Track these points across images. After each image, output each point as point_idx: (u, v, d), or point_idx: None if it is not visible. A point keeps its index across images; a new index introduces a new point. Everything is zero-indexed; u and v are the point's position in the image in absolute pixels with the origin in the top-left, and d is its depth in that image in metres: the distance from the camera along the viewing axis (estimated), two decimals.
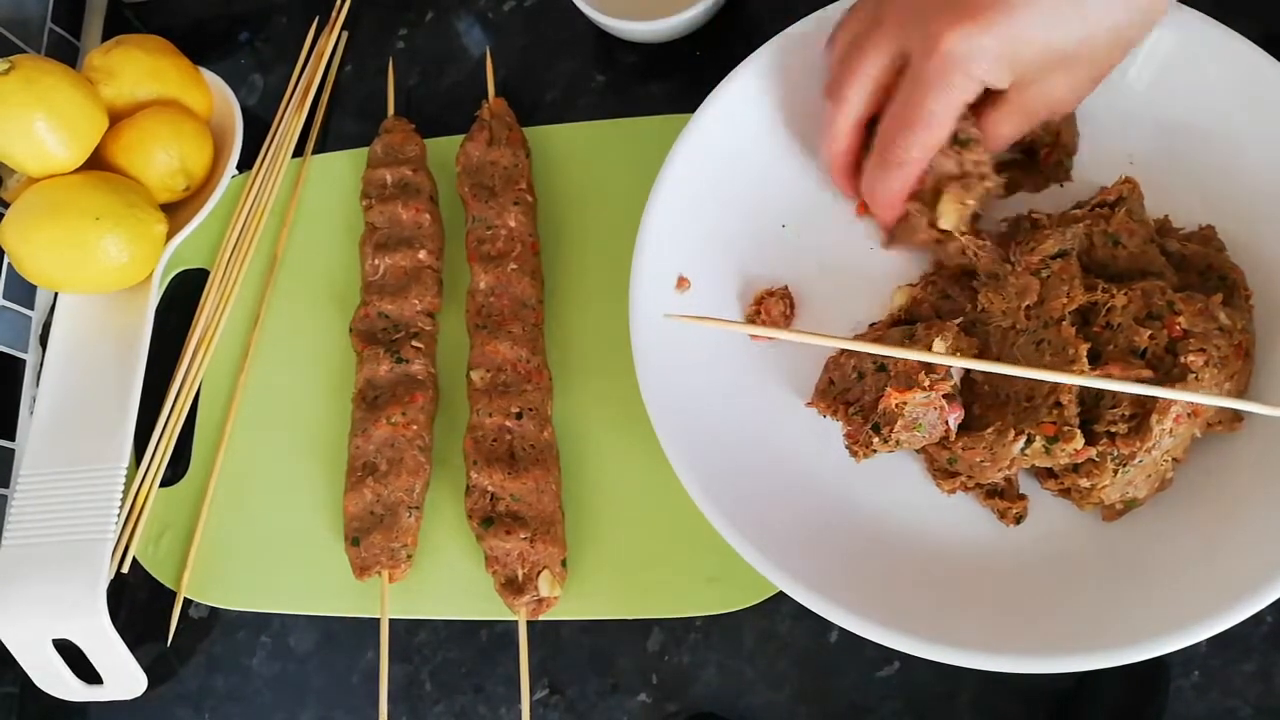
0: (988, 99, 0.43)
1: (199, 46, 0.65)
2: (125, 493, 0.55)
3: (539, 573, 0.49)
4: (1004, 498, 0.45)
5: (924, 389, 0.43)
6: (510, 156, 0.58)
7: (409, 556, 0.51)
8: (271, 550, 0.55)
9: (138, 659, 0.53)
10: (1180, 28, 0.46)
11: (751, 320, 0.50)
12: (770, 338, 0.49)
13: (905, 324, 0.49)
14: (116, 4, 0.72)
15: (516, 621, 0.50)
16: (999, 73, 0.41)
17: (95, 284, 0.58)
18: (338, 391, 0.57)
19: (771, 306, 0.50)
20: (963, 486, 0.45)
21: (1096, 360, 0.43)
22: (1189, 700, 0.44)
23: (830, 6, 0.50)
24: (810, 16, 0.50)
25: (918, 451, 0.47)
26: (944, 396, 0.43)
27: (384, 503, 0.52)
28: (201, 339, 0.60)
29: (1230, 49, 0.45)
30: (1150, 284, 0.43)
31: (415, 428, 0.53)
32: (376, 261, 0.57)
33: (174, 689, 0.54)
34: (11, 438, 0.61)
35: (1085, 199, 0.48)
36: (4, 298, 0.62)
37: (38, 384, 0.61)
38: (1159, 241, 0.46)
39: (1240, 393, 0.43)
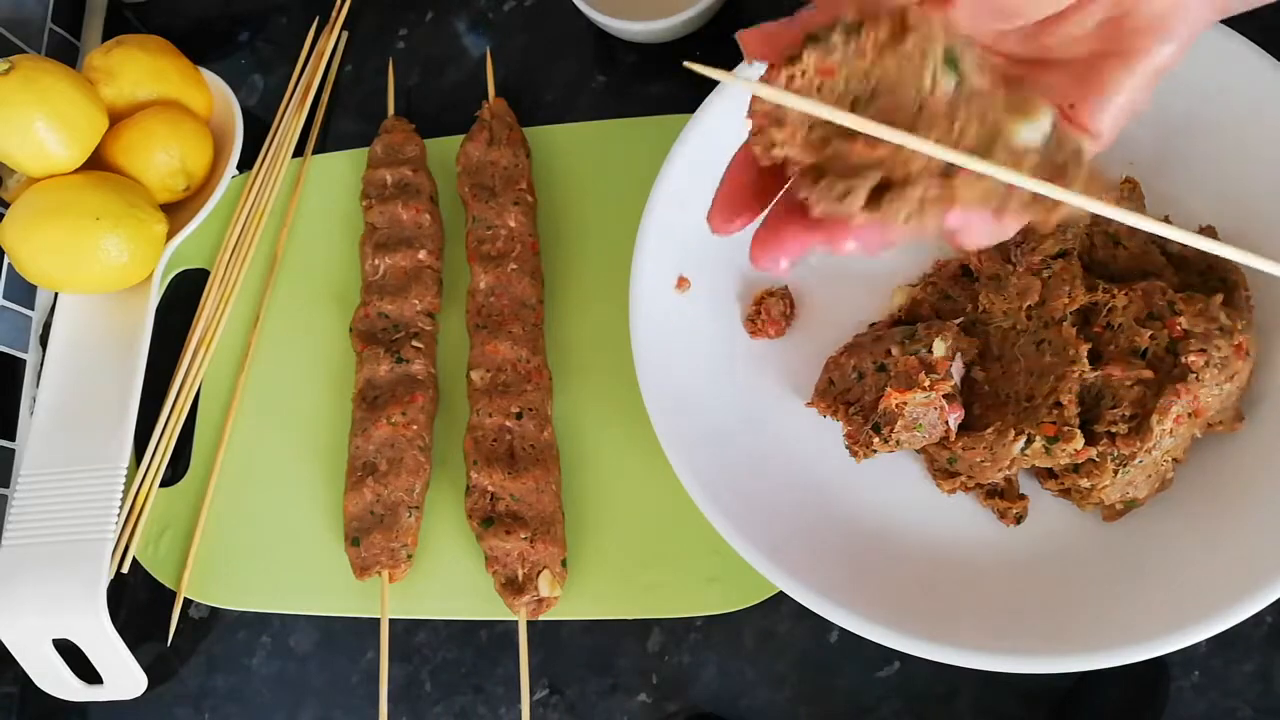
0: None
1: (199, 46, 0.65)
2: (125, 493, 0.55)
3: (539, 573, 0.49)
4: (1004, 498, 0.45)
5: (924, 389, 0.43)
6: (510, 156, 0.58)
7: (409, 556, 0.51)
8: (271, 550, 0.55)
9: (138, 659, 0.53)
10: None
11: (752, 320, 0.50)
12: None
13: (905, 324, 0.49)
14: (116, 4, 0.71)
15: (516, 621, 0.50)
16: None
17: (95, 284, 0.58)
18: (338, 391, 0.57)
19: (771, 306, 0.50)
20: (963, 486, 0.45)
21: (1097, 360, 0.43)
22: (1189, 700, 0.44)
23: None
24: None
25: (918, 451, 0.47)
26: (944, 396, 0.43)
27: (384, 503, 0.52)
28: (201, 339, 0.59)
29: (1230, 49, 0.45)
30: (1151, 284, 0.43)
31: (415, 428, 0.53)
32: (376, 261, 0.57)
33: (174, 689, 0.54)
34: (11, 438, 0.61)
35: None
36: (4, 298, 0.62)
37: (38, 384, 0.61)
38: (1159, 242, 0.46)
39: (1242, 393, 0.43)
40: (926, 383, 0.43)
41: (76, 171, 0.57)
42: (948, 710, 0.46)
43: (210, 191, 0.61)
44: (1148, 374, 0.41)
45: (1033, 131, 0.26)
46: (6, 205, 0.58)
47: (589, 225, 0.58)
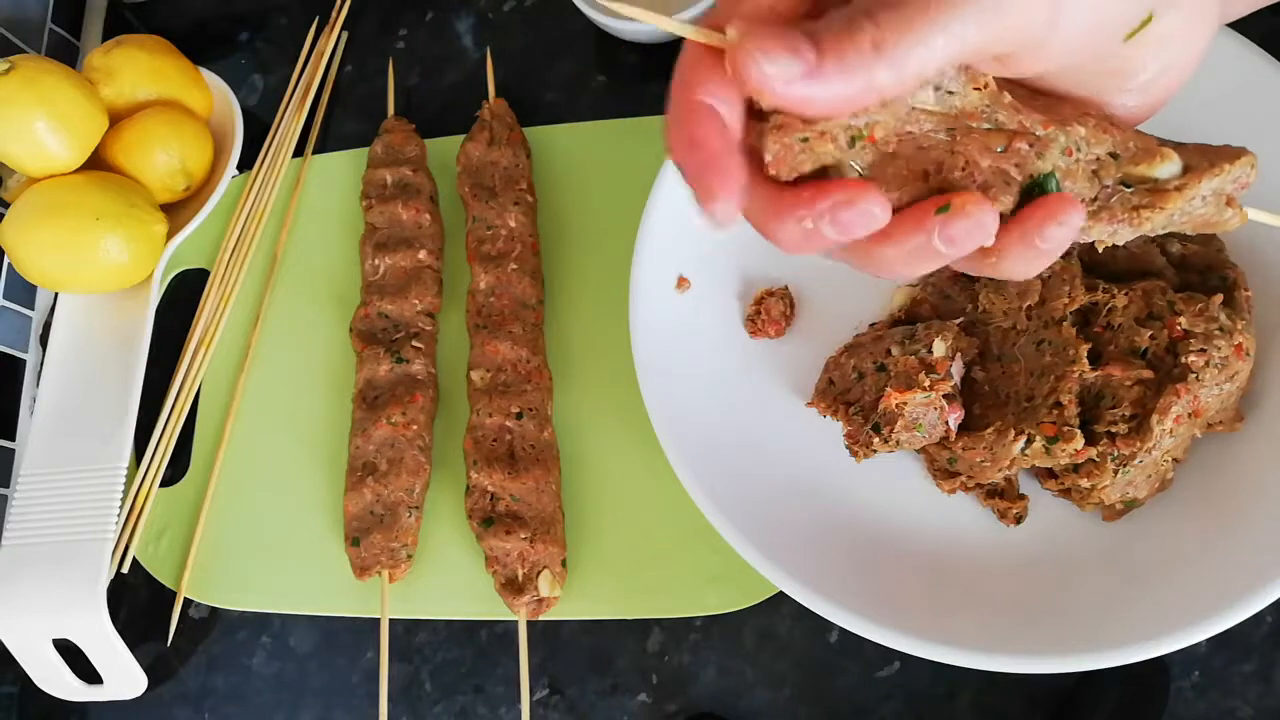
0: None
1: (199, 46, 0.65)
2: (125, 493, 0.55)
3: (539, 573, 0.49)
4: (1004, 498, 0.45)
5: (924, 389, 0.43)
6: (510, 157, 0.58)
7: (409, 556, 0.51)
8: (271, 550, 0.55)
9: (138, 659, 0.53)
10: None
11: (752, 320, 0.50)
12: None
13: (905, 324, 0.49)
14: (116, 4, 0.71)
15: (516, 621, 0.50)
16: None
17: (95, 284, 0.58)
18: (338, 391, 0.57)
19: (771, 306, 0.50)
20: (963, 486, 0.45)
21: (1097, 360, 0.43)
22: (1189, 700, 0.44)
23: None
24: None
25: (918, 451, 0.47)
26: (944, 396, 0.43)
27: (384, 503, 0.52)
28: (201, 339, 0.59)
29: (1230, 49, 0.45)
30: (1151, 284, 0.43)
31: (415, 428, 0.53)
32: (376, 261, 0.57)
33: (174, 689, 0.54)
34: (11, 438, 0.61)
35: None
36: (4, 298, 0.62)
37: (38, 384, 0.61)
38: (1159, 241, 0.46)
39: (1242, 393, 0.43)
40: (926, 383, 0.43)
41: (76, 171, 0.57)
42: (948, 710, 0.46)
43: (210, 191, 0.61)
44: (1148, 374, 0.41)
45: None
46: (6, 205, 0.58)
47: (589, 225, 0.58)
